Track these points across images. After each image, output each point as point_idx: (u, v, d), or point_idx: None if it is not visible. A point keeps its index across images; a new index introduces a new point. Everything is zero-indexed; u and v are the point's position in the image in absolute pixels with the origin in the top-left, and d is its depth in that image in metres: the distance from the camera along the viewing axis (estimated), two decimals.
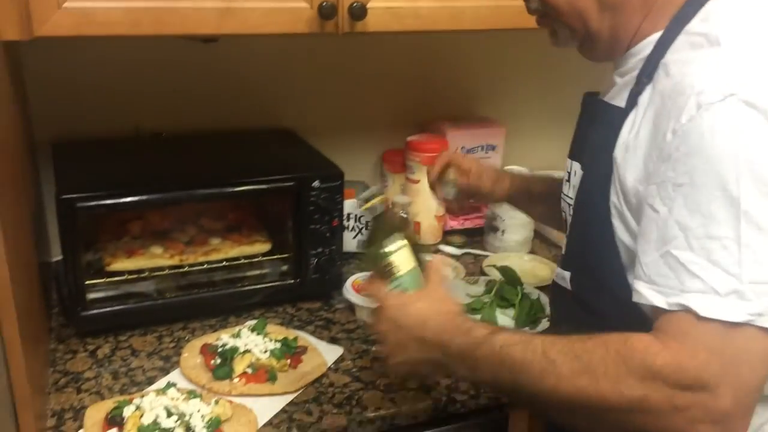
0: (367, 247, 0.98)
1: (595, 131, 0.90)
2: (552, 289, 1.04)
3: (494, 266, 1.45)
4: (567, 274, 0.95)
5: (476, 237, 1.67)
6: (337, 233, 1.33)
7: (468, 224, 1.70)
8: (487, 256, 1.57)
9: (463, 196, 1.26)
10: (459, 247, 1.63)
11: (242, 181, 1.25)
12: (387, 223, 1.01)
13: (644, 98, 0.81)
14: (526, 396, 0.79)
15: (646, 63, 0.83)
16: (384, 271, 0.92)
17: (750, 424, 0.71)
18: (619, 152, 0.82)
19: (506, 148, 1.71)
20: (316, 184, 1.27)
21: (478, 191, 1.24)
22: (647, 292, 0.74)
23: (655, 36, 0.83)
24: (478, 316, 1.28)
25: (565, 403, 0.75)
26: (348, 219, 1.52)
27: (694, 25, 0.79)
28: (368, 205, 1.02)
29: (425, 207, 1.61)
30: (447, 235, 1.68)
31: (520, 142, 1.76)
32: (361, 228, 1.56)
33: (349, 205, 1.49)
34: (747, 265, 0.69)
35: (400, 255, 0.93)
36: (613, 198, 0.83)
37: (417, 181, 1.60)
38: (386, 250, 0.93)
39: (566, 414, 0.78)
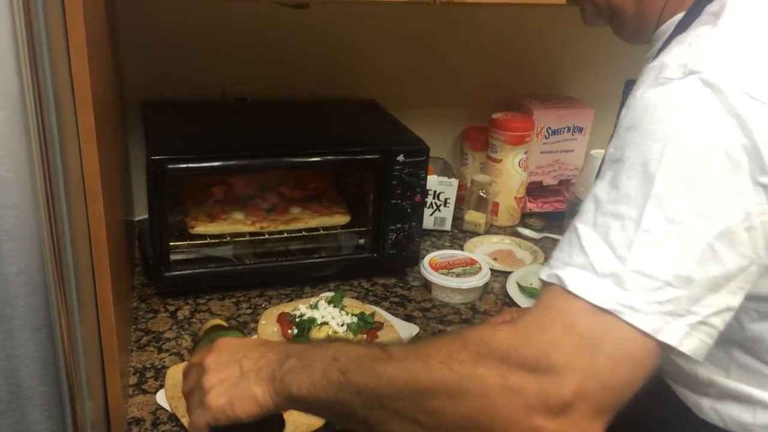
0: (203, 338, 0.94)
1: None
2: None
3: None
4: None
5: (556, 221, 1.62)
6: (418, 209, 1.30)
7: (548, 207, 1.65)
8: None
9: None
10: (538, 230, 1.59)
11: (327, 150, 1.24)
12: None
13: None
14: (349, 396, 0.64)
15: (662, 46, 0.74)
16: None
17: None
18: None
19: (594, 132, 1.64)
20: (400, 158, 1.24)
21: None
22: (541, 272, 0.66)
23: (679, 16, 0.75)
24: None
25: (391, 392, 0.62)
26: (426, 196, 1.50)
27: (715, 3, 0.69)
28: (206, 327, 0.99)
29: (505, 187, 1.57)
30: (525, 218, 1.64)
31: (609, 126, 1.69)
32: (440, 205, 1.53)
33: (429, 182, 1.46)
34: (637, 251, 0.59)
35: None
36: None
37: (499, 161, 1.55)
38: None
39: (393, 406, 0.62)
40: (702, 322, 0.60)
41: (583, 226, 0.63)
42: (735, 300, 0.62)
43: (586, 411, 0.57)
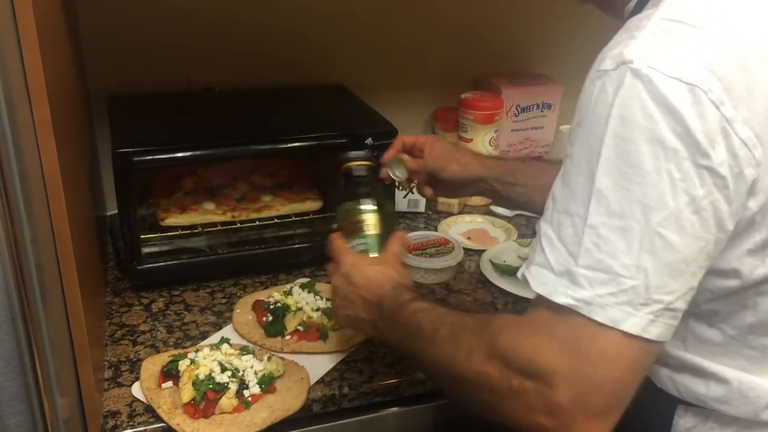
0: (342, 203, 1.04)
1: None
2: None
3: None
4: None
5: None
6: (388, 192, 1.30)
7: None
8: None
9: (420, 180, 1.15)
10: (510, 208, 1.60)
11: (295, 137, 1.24)
12: (369, 185, 1.04)
13: None
14: (416, 360, 0.80)
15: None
16: (353, 227, 0.99)
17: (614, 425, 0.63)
18: None
19: (562, 108, 1.65)
20: (368, 141, 1.25)
21: (437, 174, 1.12)
22: None
23: None
24: None
25: (436, 369, 0.75)
26: None
27: None
28: (355, 164, 1.07)
29: None
30: None
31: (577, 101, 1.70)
32: (412, 187, 1.53)
33: None
34: (585, 248, 0.62)
35: (372, 217, 1.00)
36: None
37: (470, 140, 1.56)
38: (363, 207, 1.00)
39: (441, 382, 0.77)
40: (666, 309, 0.62)
41: (543, 223, 0.67)
42: (696, 280, 0.64)
43: (581, 414, 0.61)
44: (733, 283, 0.69)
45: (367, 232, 0.98)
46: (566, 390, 0.61)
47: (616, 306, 0.61)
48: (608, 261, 0.61)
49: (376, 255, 0.96)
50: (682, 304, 0.63)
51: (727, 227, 0.63)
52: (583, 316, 0.62)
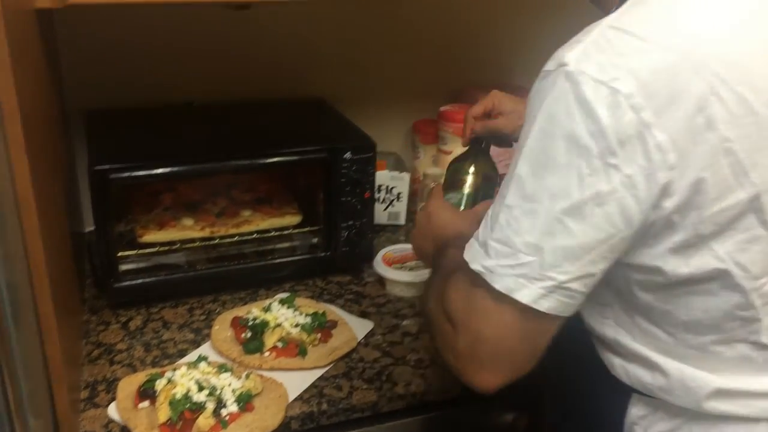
0: (454, 162, 1.16)
1: None
2: None
3: None
4: None
5: None
6: (368, 205, 1.31)
7: None
8: None
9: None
10: None
11: (274, 152, 1.23)
12: (481, 154, 1.15)
13: None
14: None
15: None
16: (454, 183, 1.11)
17: (499, 384, 0.73)
18: None
19: None
20: (347, 155, 1.25)
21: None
22: None
23: None
24: None
25: (422, 306, 0.89)
26: (379, 191, 1.50)
27: None
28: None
29: None
30: None
31: None
32: (393, 199, 1.54)
33: (380, 177, 1.47)
34: (500, 224, 0.70)
35: (473, 178, 1.11)
36: None
37: (449, 152, 1.56)
38: (468, 169, 1.12)
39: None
40: (559, 287, 0.69)
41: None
42: (596, 267, 0.69)
43: (471, 360, 0.73)
44: (658, 278, 0.72)
45: (463, 190, 1.10)
46: (463, 338, 0.73)
47: (512, 277, 0.69)
48: (513, 238, 0.69)
49: (461, 210, 1.08)
50: (578, 286, 0.69)
51: (634, 224, 0.67)
52: (486, 281, 0.70)
